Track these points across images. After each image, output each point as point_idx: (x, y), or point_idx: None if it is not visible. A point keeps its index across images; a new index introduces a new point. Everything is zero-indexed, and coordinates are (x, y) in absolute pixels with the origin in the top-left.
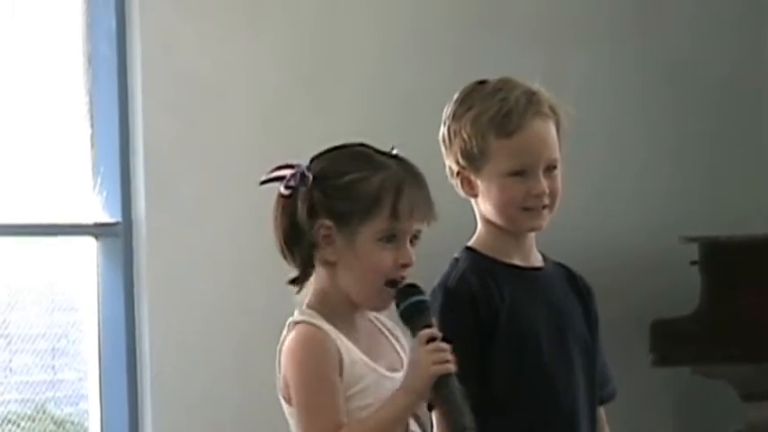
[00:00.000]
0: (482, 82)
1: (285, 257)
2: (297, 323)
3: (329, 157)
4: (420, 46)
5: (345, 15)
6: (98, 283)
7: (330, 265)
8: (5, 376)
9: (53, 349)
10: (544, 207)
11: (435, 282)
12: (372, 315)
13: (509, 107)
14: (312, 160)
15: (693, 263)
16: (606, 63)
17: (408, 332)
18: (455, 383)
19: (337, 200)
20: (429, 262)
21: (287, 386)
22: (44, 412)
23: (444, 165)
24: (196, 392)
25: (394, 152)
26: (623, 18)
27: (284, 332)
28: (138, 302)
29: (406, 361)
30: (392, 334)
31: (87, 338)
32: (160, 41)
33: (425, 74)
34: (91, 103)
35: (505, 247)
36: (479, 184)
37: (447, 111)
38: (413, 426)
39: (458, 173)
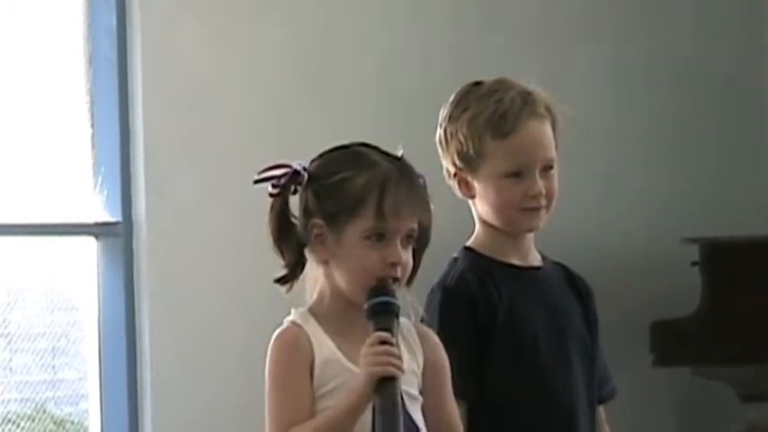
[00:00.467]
0: (478, 83)
1: (278, 256)
2: (285, 323)
3: (324, 157)
4: (422, 44)
5: (347, 14)
6: (98, 283)
7: (325, 263)
8: (5, 376)
9: (53, 349)
10: (541, 207)
11: (434, 281)
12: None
13: (504, 108)
14: (313, 161)
15: (694, 264)
16: (608, 63)
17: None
18: (395, 390)
19: (326, 199)
20: (428, 262)
21: None
22: (44, 412)
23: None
24: (196, 393)
25: (399, 153)
26: (625, 17)
27: None
28: (139, 302)
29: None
30: (401, 336)
31: (87, 338)
32: (161, 40)
33: (428, 72)
34: (91, 102)
35: (503, 248)
36: (476, 185)
37: (443, 112)
38: None
39: (455, 174)
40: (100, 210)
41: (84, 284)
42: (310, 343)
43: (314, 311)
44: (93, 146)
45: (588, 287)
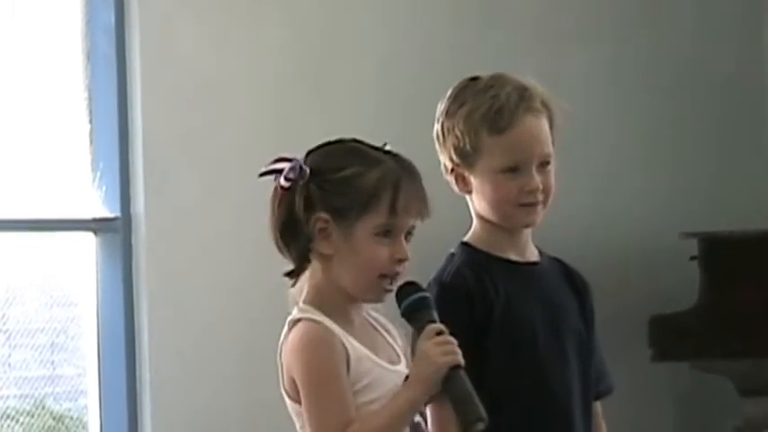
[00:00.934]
0: (474, 78)
1: (280, 250)
2: (298, 320)
3: (325, 151)
4: (422, 44)
5: (346, 13)
6: (97, 279)
7: (325, 258)
8: (4, 371)
9: (52, 344)
10: (538, 202)
11: (431, 276)
12: (365, 311)
13: (500, 104)
14: (308, 154)
15: (693, 258)
16: (607, 62)
17: (411, 329)
18: (464, 376)
19: (334, 194)
20: (425, 257)
21: (292, 383)
22: (43, 408)
23: None
24: (195, 389)
25: (387, 148)
26: (625, 17)
27: (284, 330)
28: (137, 298)
29: (400, 353)
30: (384, 329)
31: (86, 334)
32: (159, 37)
33: (427, 72)
34: (90, 98)
35: (500, 243)
36: (473, 180)
37: (440, 108)
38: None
39: (452, 170)
40: (98, 205)
41: (82, 280)
42: (340, 340)
43: (317, 307)
44: (91, 142)
45: (585, 282)
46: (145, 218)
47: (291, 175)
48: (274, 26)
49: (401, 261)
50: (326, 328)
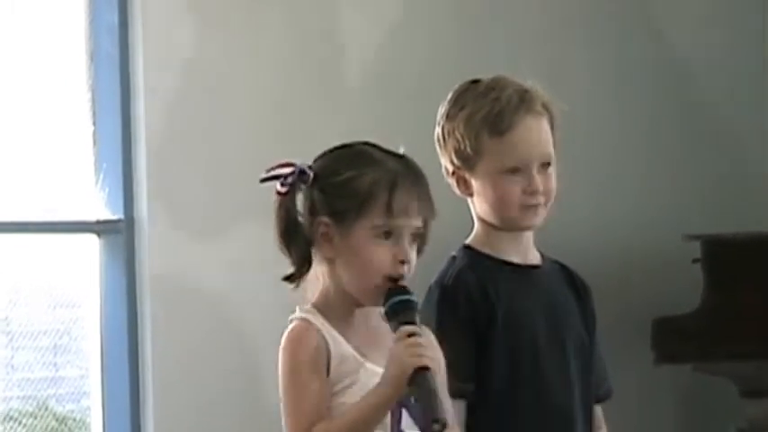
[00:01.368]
0: (475, 81)
1: (284, 253)
2: (293, 320)
3: (329, 156)
4: (424, 42)
5: (347, 14)
6: (100, 280)
7: (330, 262)
8: (7, 373)
9: (55, 346)
10: (539, 204)
11: (433, 279)
12: (374, 315)
13: (501, 106)
14: (317, 159)
15: (696, 261)
16: (609, 63)
17: (392, 330)
18: (431, 378)
19: (334, 197)
20: (428, 260)
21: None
22: (46, 409)
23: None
24: (197, 389)
25: (401, 151)
26: (626, 17)
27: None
28: (140, 299)
29: None
30: None
31: (89, 335)
32: (162, 38)
33: (430, 72)
34: (93, 100)
35: (502, 245)
36: (474, 183)
37: (441, 110)
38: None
39: (453, 172)
40: (101, 207)
41: (85, 282)
42: (325, 339)
43: (320, 309)
44: (94, 143)
45: (586, 285)
46: (148, 220)
47: (289, 181)
48: (277, 27)
49: (403, 262)
50: (310, 328)
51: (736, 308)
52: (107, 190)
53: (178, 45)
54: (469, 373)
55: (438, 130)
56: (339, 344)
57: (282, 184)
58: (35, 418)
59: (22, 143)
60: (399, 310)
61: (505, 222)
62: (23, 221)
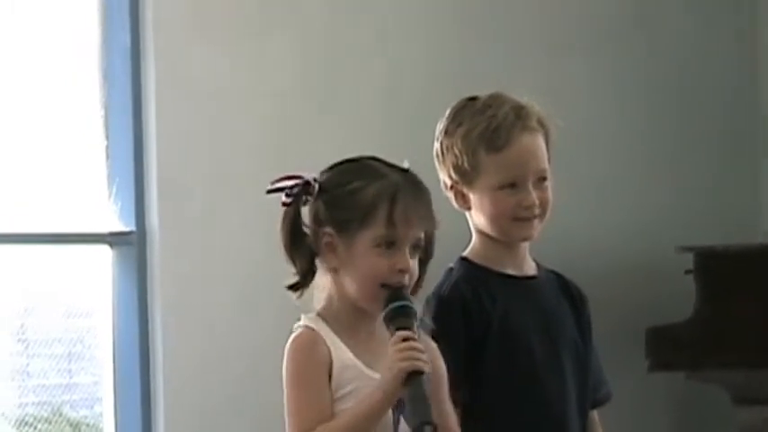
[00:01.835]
0: (473, 98)
1: (289, 263)
2: (297, 327)
3: (335, 169)
4: (426, 53)
5: (351, 28)
6: (113, 290)
7: (334, 271)
8: (23, 380)
9: (69, 354)
10: (535, 217)
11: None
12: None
13: (498, 123)
14: (322, 173)
15: (689, 272)
16: (606, 73)
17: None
18: (424, 383)
19: (337, 209)
20: (428, 271)
21: None
22: (60, 415)
23: None
24: (207, 396)
25: (405, 165)
26: (623, 28)
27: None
28: (152, 309)
29: None
30: None
31: (102, 343)
32: (172, 58)
33: (432, 81)
34: (106, 116)
35: (499, 257)
36: (472, 197)
37: (439, 127)
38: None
39: (451, 186)
40: (114, 220)
41: (98, 291)
42: (327, 346)
43: (324, 317)
44: (107, 158)
45: (582, 294)
46: (159, 232)
47: (294, 192)
48: (282, 47)
49: (402, 271)
50: (313, 335)
51: (728, 318)
52: (119, 203)
53: (188, 65)
54: (465, 382)
55: (437, 145)
56: (342, 351)
57: (287, 195)
58: (50, 423)
59: (38, 158)
60: (396, 316)
61: (502, 234)
62: (39, 233)
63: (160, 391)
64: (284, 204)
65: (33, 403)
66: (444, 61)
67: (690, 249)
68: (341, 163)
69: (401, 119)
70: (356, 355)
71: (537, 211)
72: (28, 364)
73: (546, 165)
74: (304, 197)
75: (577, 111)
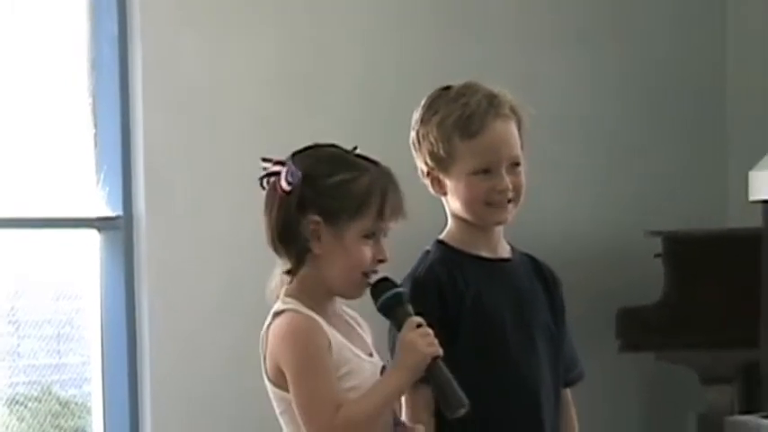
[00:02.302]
0: (447, 88)
1: (276, 250)
2: (282, 311)
3: (313, 156)
4: (405, 50)
5: (333, 24)
6: (100, 273)
7: (314, 257)
8: (14, 360)
9: (58, 335)
10: (509, 201)
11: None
12: (339, 305)
13: (471, 111)
14: (293, 156)
15: (657, 255)
16: (578, 66)
17: (390, 322)
18: (444, 366)
19: (328, 198)
20: (405, 255)
21: (277, 371)
22: (50, 394)
23: None
24: (192, 376)
25: (356, 152)
26: (597, 24)
27: (268, 320)
28: (138, 291)
29: (370, 346)
30: (356, 322)
31: (90, 325)
32: (159, 47)
33: (411, 76)
34: (94, 104)
35: (473, 241)
36: (448, 183)
37: (415, 116)
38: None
39: (428, 173)
40: (102, 205)
41: (87, 274)
42: (323, 329)
43: (300, 299)
44: (95, 145)
45: (555, 276)
46: (145, 217)
47: (291, 179)
48: (267, 38)
49: (381, 261)
50: (310, 318)
51: (695, 300)
52: (107, 189)
53: (174, 54)
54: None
55: (413, 134)
56: (334, 333)
57: (288, 183)
58: (39, 402)
59: (28, 146)
60: (395, 304)
61: (476, 218)
62: (29, 218)
63: (146, 371)
64: (285, 192)
65: (24, 383)
66: (419, 56)
67: (658, 234)
68: (308, 149)
69: (378, 110)
70: (342, 336)
71: (510, 195)
72: (18, 345)
73: (519, 151)
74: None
75: (550, 102)
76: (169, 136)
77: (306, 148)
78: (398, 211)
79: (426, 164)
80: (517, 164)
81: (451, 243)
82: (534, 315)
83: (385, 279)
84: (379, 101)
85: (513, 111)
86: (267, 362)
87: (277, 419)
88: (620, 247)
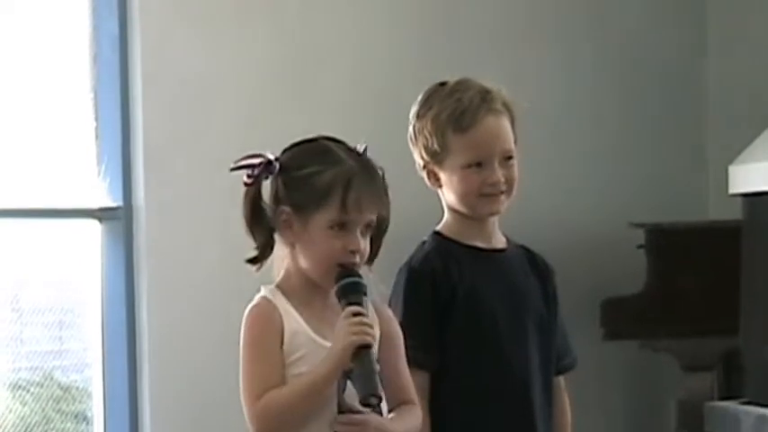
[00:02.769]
0: (442, 84)
1: (250, 238)
2: (257, 298)
3: (296, 149)
4: (393, 48)
5: (324, 22)
6: (101, 262)
7: (291, 246)
8: (17, 346)
9: (60, 322)
10: (501, 193)
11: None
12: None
13: (464, 106)
14: (285, 151)
15: (640, 246)
16: (558, 62)
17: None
18: (371, 356)
19: (295, 190)
20: (403, 245)
21: None
22: (52, 379)
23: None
24: (190, 361)
25: (361, 149)
26: (573, 20)
27: None
28: (137, 279)
29: (376, 334)
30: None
31: (91, 312)
32: (158, 44)
33: (398, 73)
34: (95, 99)
35: (468, 232)
36: (442, 176)
37: (412, 111)
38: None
39: (424, 166)
40: (103, 196)
41: (88, 263)
42: (280, 315)
43: (281, 288)
44: (96, 138)
45: (548, 267)
46: (145, 207)
47: (255, 172)
48: (261, 35)
49: (353, 252)
50: (268, 305)
51: (677, 290)
52: (108, 180)
53: (172, 51)
54: (433, 347)
55: (410, 128)
56: (293, 319)
57: (249, 176)
58: (41, 387)
59: (32, 139)
60: (348, 291)
61: (470, 210)
62: (33, 209)
63: (145, 356)
64: (246, 184)
65: (26, 368)
66: (406, 52)
67: (641, 225)
68: (300, 143)
69: (368, 104)
70: (308, 323)
71: (503, 187)
72: (21, 332)
73: (511, 145)
74: (265, 175)
75: (534, 97)
76: (168, 129)
77: (298, 142)
78: (365, 203)
79: (422, 157)
80: (510, 157)
81: (447, 234)
82: (527, 305)
83: (348, 269)
84: (366, 95)
85: (506, 106)
86: None
87: None
88: (603, 239)
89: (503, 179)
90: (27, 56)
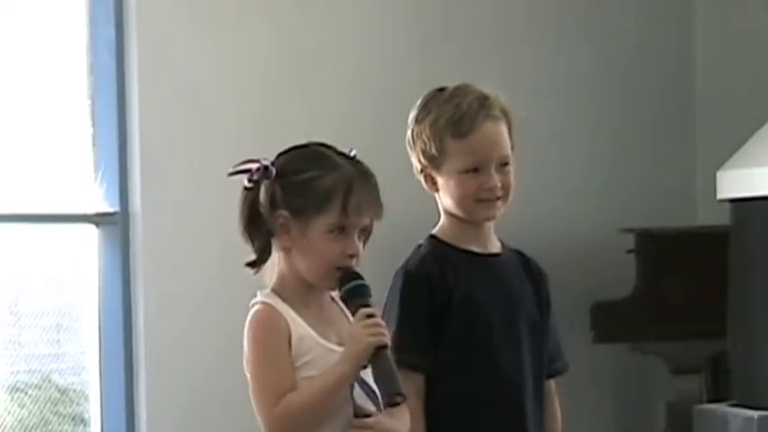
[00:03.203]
0: (441, 89)
1: (246, 242)
2: (255, 304)
3: (292, 154)
4: (393, 48)
5: (324, 28)
6: (98, 267)
7: (287, 250)
8: (15, 349)
9: (57, 325)
10: (498, 198)
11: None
12: (334, 296)
13: (462, 111)
14: (278, 156)
15: (629, 251)
16: (553, 67)
17: (349, 312)
18: (389, 355)
19: (294, 195)
20: (399, 248)
21: (246, 360)
22: (49, 381)
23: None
24: (185, 365)
25: (352, 154)
26: (569, 25)
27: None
28: (134, 284)
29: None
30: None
31: (88, 316)
32: (155, 51)
33: (397, 77)
34: (93, 105)
35: (464, 236)
36: (440, 180)
37: (411, 115)
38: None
39: (421, 170)
40: (100, 201)
41: (85, 268)
42: (286, 321)
43: (277, 292)
44: (93, 144)
45: (542, 272)
46: (141, 213)
47: (255, 177)
48: (260, 41)
49: (352, 256)
50: (272, 309)
51: (666, 294)
52: (105, 185)
53: (169, 57)
54: (428, 350)
55: (408, 132)
56: (297, 323)
57: (249, 180)
58: (39, 389)
59: (30, 146)
60: (356, 294)
61: (466, 215)
62: (32, 214)
63: (142, 360)
64: (246, 189)
65: (24, 371)
66: (406, 52)
67: (630, 231)
68: (294, 148)
69: (368, 105)
70: (310, 326)
71: (499, 193)
72: (20, 335)
73: (508, 151)
74: (263, 180)
75: (528, 103)
76: (164, 135)
77: (293, 147)
78: (365, 208)
79: (420, 161)
80: (506, 163)
81: (443, 238)
82: (520, 308)
83: (352, 272)
84: (371, 96)
85: (504, 112)
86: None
87: None
88: (594, 244)
89: (499, 185)
90: (25, 62)
